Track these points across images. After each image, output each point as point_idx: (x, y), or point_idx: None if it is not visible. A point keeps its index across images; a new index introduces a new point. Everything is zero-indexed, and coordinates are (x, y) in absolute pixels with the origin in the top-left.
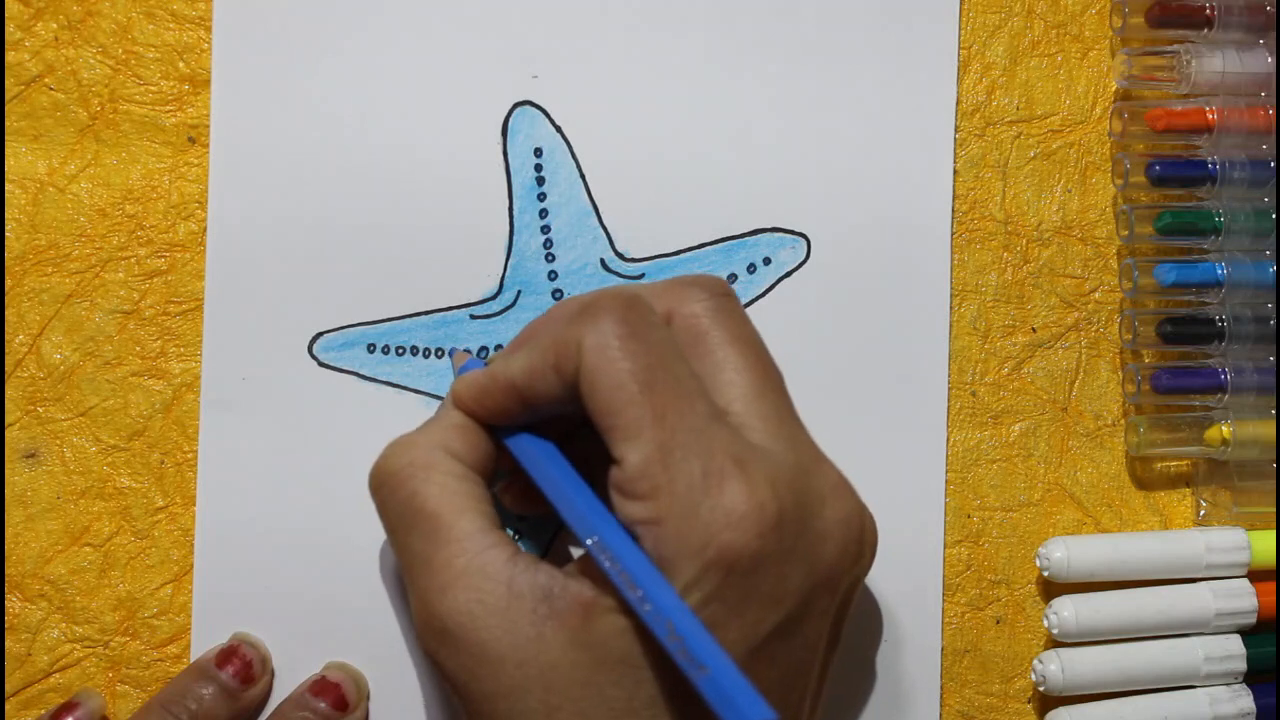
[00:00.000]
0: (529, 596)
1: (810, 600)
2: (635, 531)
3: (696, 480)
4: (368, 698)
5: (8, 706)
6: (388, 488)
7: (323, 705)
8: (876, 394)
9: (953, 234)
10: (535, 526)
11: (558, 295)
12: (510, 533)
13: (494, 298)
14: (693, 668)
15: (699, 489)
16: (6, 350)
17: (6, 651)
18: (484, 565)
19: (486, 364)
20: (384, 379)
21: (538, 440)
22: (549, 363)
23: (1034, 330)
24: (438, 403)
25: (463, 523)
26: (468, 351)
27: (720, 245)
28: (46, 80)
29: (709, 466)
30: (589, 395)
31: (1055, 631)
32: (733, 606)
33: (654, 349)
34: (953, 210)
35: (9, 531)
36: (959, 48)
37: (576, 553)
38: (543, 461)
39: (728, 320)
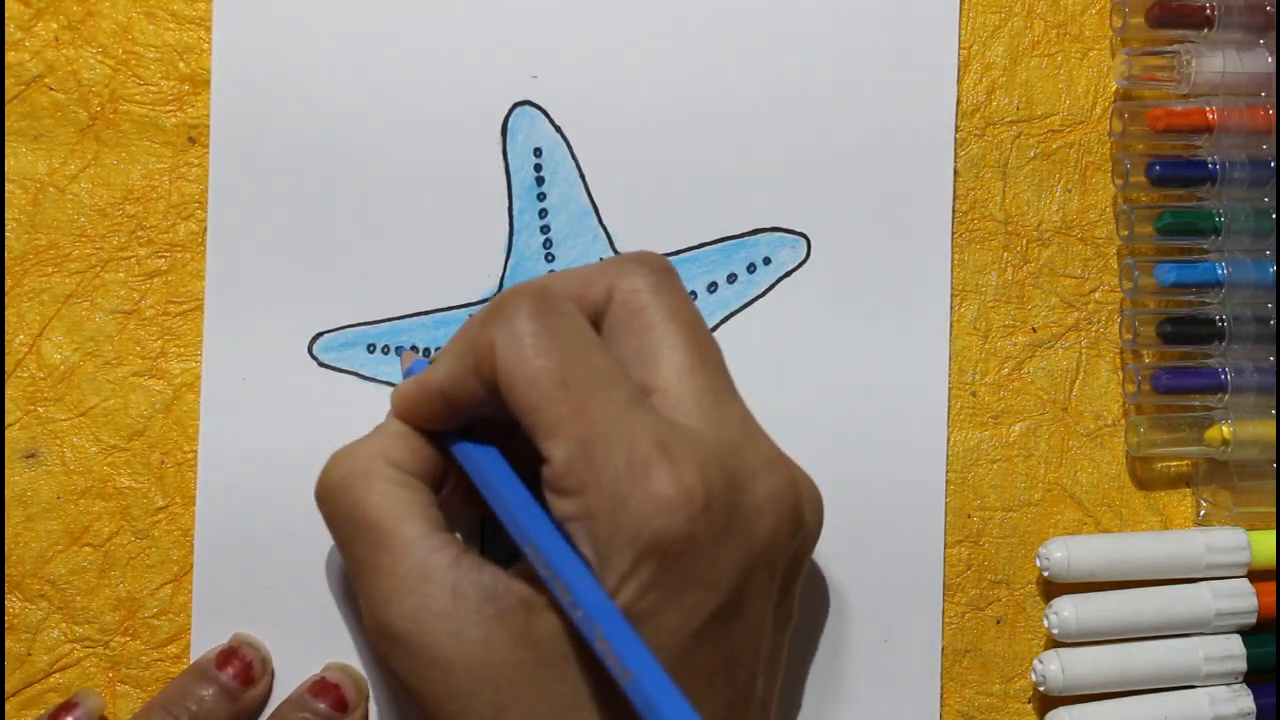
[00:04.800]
0: (473, 598)
1: (749, 578)
2: (569, 529)
3: (622, 470)
4: (367, 698)
5: (8, 706)
6: (330, 500)
7: (322, 706)
8: (876, 394)
9: (953, 234)
10: None
11: None
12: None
13: (494, 298)
14: (620, 674)
15: (625, 479)
16: (6, 350)
17: (6, 651)
18: (428, 570)
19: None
20: (384, 379)
21: (478, 446)
22: (469, 367)
23: (1034, 330)
24: None
25: (405, 529)
26: (414, 351)
27: (720, 245)
28: (46, 80)
29: (633, 455)
30: (508, 395)
31: (1055, 631)
32: (670, 593)
33: (567, 342)
34: (953, 210)
35: (9, 531)
36: (959, 48)
37: None
38: (482, 467)
39: (667, 296)
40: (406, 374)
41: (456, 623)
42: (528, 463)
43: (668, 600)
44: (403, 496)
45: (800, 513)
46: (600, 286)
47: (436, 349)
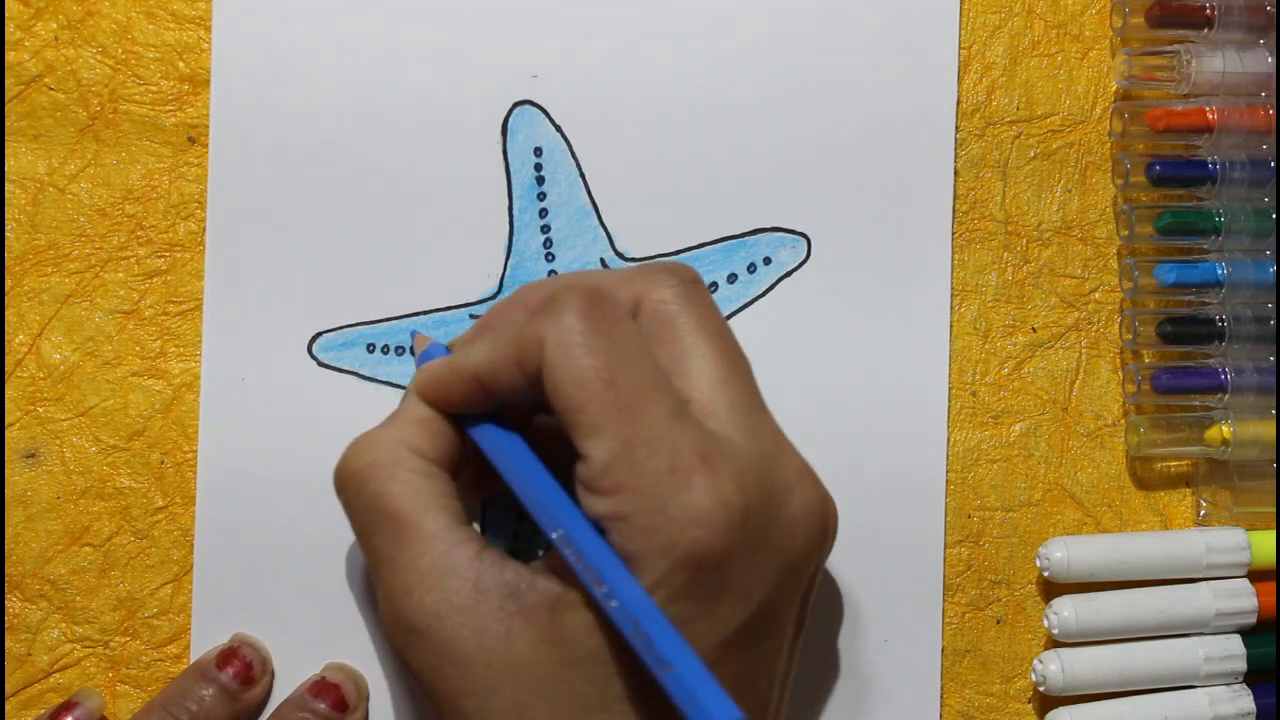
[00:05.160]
0: (496, 594)
1: (779, 590)
2: (602, 526)
3: (663, 476)
4: (367, 699)
5: (8, 706)
6: (350, 489)
7: (322, 706)
8: (876, 394)
9: (953, 234)
10: (534, 528)
11: None
12: (511, 532)
13: (494, 297)
14: (659, 666)
15: (666, 485)
16: (6, 350)
17: (6, 651)
18: (450, 564)
19: (448, 348)
20: (384, 379)
21: (503, 431)
22: (511, 357)
23: (1034, 330)
24: None
25: (427, 521)
26: (427, 336)
27: (720, 245)
28: (46, 80)
29: (675, 463)
30: (553, 391)
31: (1055, 631)
32: (701, 602)
33: (618, 344)
34: (953, 210)
35: (9, 531)
36: (959, 48)
37: None
38: (508, 452)
39: (696, 307)
40: (422, 356)
41: (478, 618)
42: (540, 451)
43: (698, 610)
44: (425, 488)
45: (828, 526)
46: (629, 295)
47: None
